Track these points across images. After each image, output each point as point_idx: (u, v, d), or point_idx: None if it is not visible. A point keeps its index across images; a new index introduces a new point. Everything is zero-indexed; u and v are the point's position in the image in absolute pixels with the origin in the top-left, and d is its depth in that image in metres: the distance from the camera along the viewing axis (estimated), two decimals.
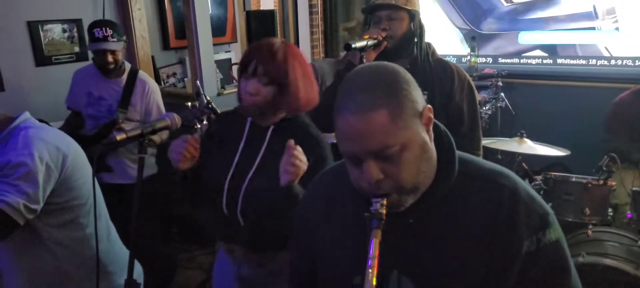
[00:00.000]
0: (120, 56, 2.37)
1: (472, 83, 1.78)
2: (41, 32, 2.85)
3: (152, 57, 3.49)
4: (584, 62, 3.64)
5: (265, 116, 1.43)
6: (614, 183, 2.25)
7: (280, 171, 1.24)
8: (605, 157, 2.24)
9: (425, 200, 0.85)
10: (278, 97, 1.37)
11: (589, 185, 2.24)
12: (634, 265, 1.98)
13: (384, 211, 0.80)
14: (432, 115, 0.84)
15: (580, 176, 2.29)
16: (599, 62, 3.57)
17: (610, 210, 2.26)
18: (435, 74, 1.71)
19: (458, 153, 0.90)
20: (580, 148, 2.63)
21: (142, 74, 2.51)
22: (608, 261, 2.02)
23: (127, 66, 2.48)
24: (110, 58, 2.33)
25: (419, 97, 0.82)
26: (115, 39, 2.31)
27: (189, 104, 1.30)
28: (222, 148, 1.48)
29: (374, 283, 0.76)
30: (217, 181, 1.43)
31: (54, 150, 1.40)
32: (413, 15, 1.71)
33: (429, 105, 0.84)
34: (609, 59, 3.55)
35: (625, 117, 2.62)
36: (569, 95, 3.56)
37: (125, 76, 2.44)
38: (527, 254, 0.81)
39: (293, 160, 1.21)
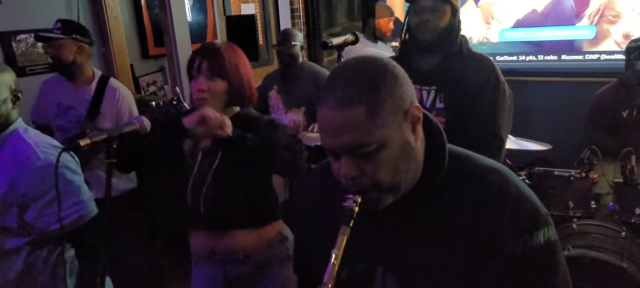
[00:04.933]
0: (65, 53, 2.23)
1: (501, 77, 1.76)
2: (14, 43, 2.78)
3: (131, 66, 3.43)
4: (555, 57, 3.68)
5: (219, 111, 1.44)
6: (595, 176, 2.26)
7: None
8: (586, 150, 2.25)
9: (412, 198, 0.84)
10: (228, 90, 1.42)
11: (572, 178, 2.25)
12: (618, 256, 1.98)
13: (356, 208, 0.78)
14: (420, 114, 0.81)
15: (562, 170, 2.30)
16: (576, 57, 3.62)
17: (593, 202, 2.27)
18: (468, 68, 1.72)
19: (451, 148, 0.87)
20: (562, 142, 2.65)
21: (113, 81, 2.42)
22: (593, 253, 2.02)
23: (97, 73, 2.39)
24: (49, 50, 2.23)
25: (406, 94, 0.79)
26: (59, 33, 2.21)
27: (154, 103, 1.30)
28: (184, 149, 1.52)
29: (335, 277, 0.75)
30: (184, 179, 1.49)
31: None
32: (455, 10, 1.71)
33: (417, 104, 0.81)
34: (583, 53, 3.59)
35: (605, 112, 2.64)
36: (548, 90, 3.60)
37: (94, 84, 2.34)
38: (512, 255, 0.78)
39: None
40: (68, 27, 2.27)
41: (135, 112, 2.46)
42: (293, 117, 2.68)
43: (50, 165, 1.31)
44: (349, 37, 1.67)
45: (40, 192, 1.37)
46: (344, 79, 0.78)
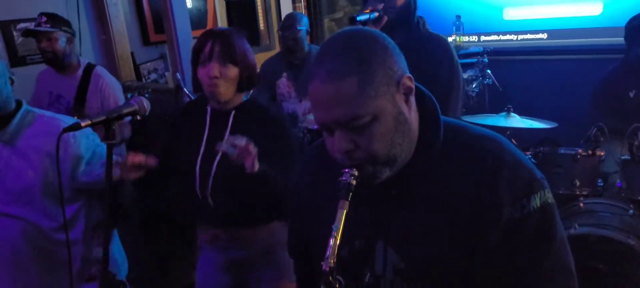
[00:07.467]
0: (58, 46, 2.30)
1: (456, 56, 1.76)
2: (14, 32, 2.77)
3: (132, 53, 3.41)
4: (559, 35, 3.63)
5: (229, 99, 1.41)
6: (602, 154, 2.23)
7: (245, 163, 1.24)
8: (593, 127, 2.22)
9: (409, 171, 0.83)
10: (239, 76, 1.38)
11: (578, 156, 2.22)
12: (625, 233, 1.97)
13: (353, 182, 0.78)
14: (412, 84, 0.80)
15: (568, 148, 2.28)
16: (581, 33, 3.56)
17: (600, 180, 2.25)
18: (426, 47, 1.70)
19: (446, 120, 0.86)
20: (568, 121, 2.61)
21: (99, 69, 2.45)
22: (600, 231, 2.00)
23: (83, 62, 2.43)
24: (44, 44, 2.27)
25: (397, 64, 0.78)
26: (49, 25, 2.26)
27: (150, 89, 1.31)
28: (187, 138, 1.49)
29: (336, 253, 0.75)
30: (188, 169, 1.45)
31: None
32: None
33: (409, 74, 0.80)
34: (588, 30, 3.53)
35: (611, 93, 2.62)
36: (554, 68, 3.56)
37: (80, 72, 2.38)
38: (510, 220, 0.77)
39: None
40: (56, 20, 2.32)
41: (121, 98, 2.48)
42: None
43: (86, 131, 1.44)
44: (375, 12, 1.67)
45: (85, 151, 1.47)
46: (334, 52, 0.77)
